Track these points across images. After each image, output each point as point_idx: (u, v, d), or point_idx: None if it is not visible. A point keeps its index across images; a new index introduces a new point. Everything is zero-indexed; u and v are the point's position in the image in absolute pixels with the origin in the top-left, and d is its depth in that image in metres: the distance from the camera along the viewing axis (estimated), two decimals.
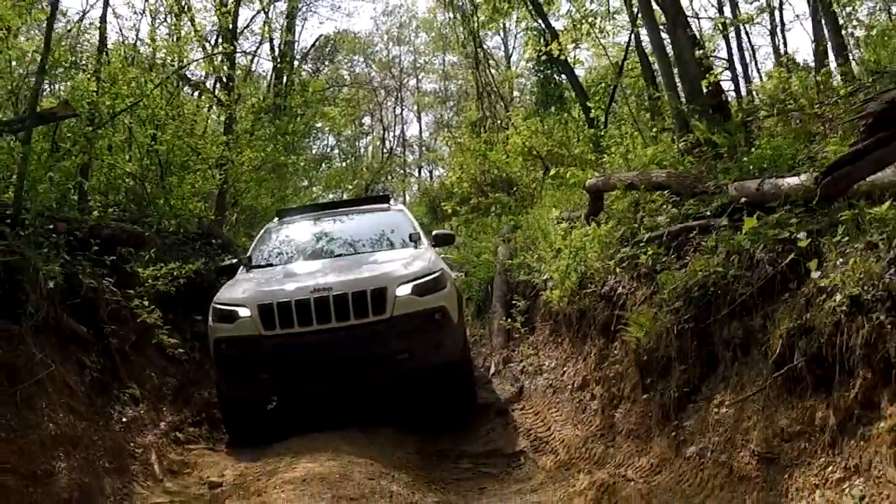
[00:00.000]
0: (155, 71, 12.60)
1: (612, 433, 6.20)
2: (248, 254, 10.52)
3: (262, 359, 8.33)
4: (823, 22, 13.18)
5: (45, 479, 5.72)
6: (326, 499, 5.51)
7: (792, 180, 5.44)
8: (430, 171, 42.28)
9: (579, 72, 22.50)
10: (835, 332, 3.76)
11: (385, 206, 11.81)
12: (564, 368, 8.26)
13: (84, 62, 11.40)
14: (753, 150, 7.84)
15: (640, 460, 5.43)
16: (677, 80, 10.44)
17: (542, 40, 18.90)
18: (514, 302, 10.72)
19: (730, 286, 4.97)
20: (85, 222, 9.08)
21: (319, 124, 29.28)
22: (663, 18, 11.05)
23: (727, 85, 15.68)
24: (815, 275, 4.01)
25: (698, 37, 12.99)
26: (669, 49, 10.93)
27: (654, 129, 12.14)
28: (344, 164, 38.51)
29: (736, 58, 20.66)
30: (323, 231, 11.03)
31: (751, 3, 22.20)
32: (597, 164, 12.96)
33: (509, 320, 10.54)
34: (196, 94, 17.94)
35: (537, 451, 7.11)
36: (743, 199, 6.08)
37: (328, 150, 39.61)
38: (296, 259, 10.38)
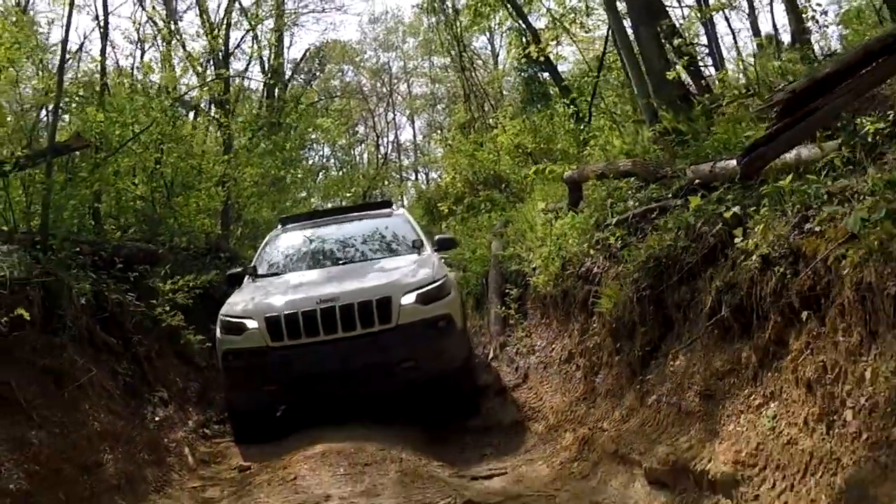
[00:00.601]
0: (155, 97, 13.35)
1: (593, 396, 7.00)
2: (254, 263, 10.78)
3: (270, 370, 8.56)
4: (784, 7, 13.81)
5: (95, 469, 6.52)
6: (344, 465, 6.34)
7: (735, 162, 6.23)
8: (426, 174, 42.88)
9: (565, 66, 23.25)
10: (751, 285, 4.57)
11: (387, 210, 12.04)
12: (553, 346, 8.99)
13: (90, 94, 12.11)
14: (711, 136, 8.58)
15: (614, 413, 6.23)
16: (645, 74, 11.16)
17: (523, 40, 19.53)
18: (507, 291, 11.39)
19: (679, 256, 5.77)
20: (107, 243, 9.87)
21: (314, 136, 29.94)
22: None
23: (710, 71, 16.15)
24: (738, 241, 4.81)
25: (678, 25, 13.47)
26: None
27: (630, 121, 12.85)
28: (340, 172, 39.15)
29: (725, 43, 21.18)
30: (326, 238, 11.22)
31: None
32: (579, 158, 13.60)
33: (504, 308, 11.11)
34: (192, 115, 18.66)
35: (531, 420, 7.94)
36: (697, 181, 6.83)
37: (324, 160, 40.30)
38: (300, 267, 10.58)
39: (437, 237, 11.10)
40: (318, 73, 36.86)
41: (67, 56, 12.09)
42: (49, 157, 9.03)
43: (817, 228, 4.17)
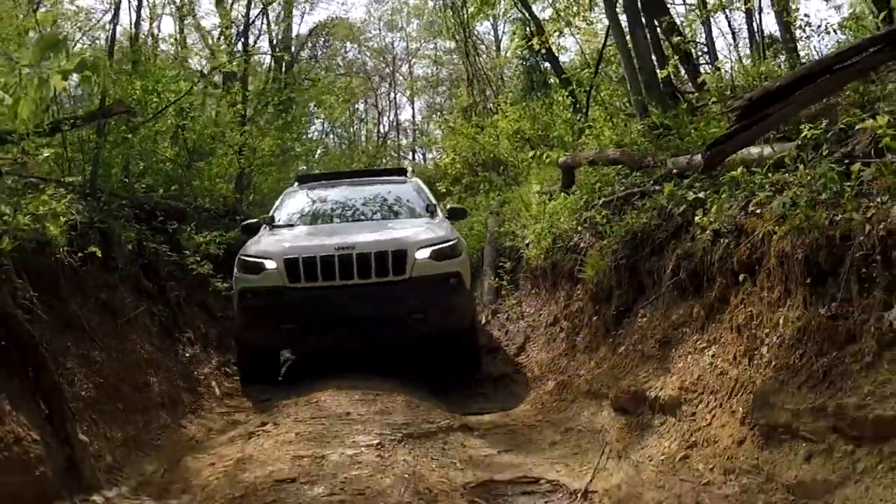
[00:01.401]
0: (184, 70, 14.43)
1: (574, 352, 8.14)
2: (271, 214, 11.04)
3: (286, 309, 8.82)
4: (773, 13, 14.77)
5: (144, 388, 7.65)
6: (358, 394, 7.45)
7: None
8: (424, 154, 43.52)
9: (568, 56, 24.06)
10: (704, 254, 5.71)
11: (402, 178, 12.28)
12: (541, 311, 10.09)
13: (126, 65, 13.13)
14: (691, 132, 9.66)
15: (589, 363, 7.39)
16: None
17: (527, 30, 20.36)
18: (501, 264, 12.43)
19: (652, 232, 6.91)
20: (147, 199, 10.93)
21: (317, 112, 30.72)
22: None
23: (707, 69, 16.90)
24: (697, 219, 5.94)
25: (677, 23, 14.18)
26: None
27: (622, 114, 13.90)
28: (339, 149, 39.82)
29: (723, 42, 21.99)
30: (343, 196, 11.47)
31: None
32: (574, 146, 14.57)
33: (497, 280, 12.14)
34: (203, 86, 19.64)
35: (518, 373, 9.08)
36: (675, 171, 7.95)
37: (323, 135, 40.94)
38: (317, 221, 10.80)
39: (448, 206, 11.58)
40: (323, 50, 37.56)
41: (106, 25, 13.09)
42: (100, 118, 10.08)
43: (757, 210, 5.30)
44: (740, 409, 4.52)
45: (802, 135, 5.70)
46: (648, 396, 5.57)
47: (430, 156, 41.02)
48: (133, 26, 14.05)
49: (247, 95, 16.69)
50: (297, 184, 12.36)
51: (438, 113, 40.76)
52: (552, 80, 21.90)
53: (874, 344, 3.73)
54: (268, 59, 25.78)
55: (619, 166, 9.64)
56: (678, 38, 12.23)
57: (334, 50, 39.77)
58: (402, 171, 13.32)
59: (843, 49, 5.51)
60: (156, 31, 20.81)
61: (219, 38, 20.99)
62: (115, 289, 8.28)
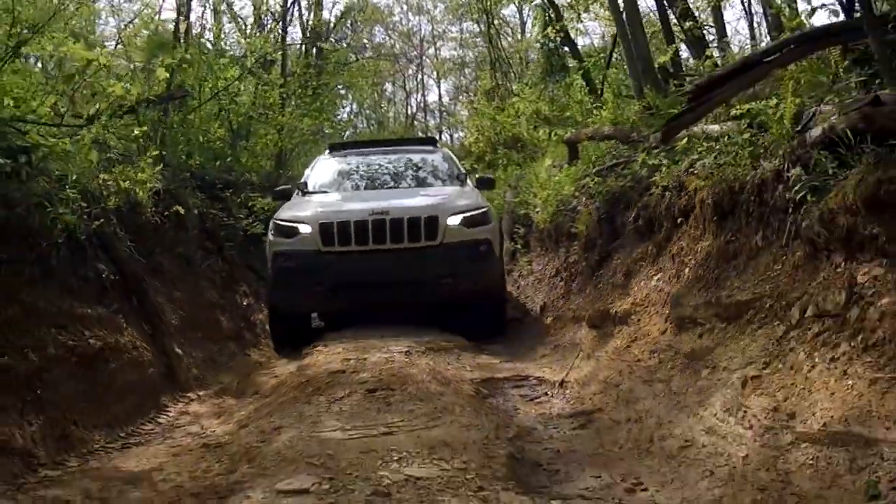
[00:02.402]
0: (230, 58, 16.32)
1: (569, 294, 9.94)
2: (304, 180, 11.37)
3: (320, 272, 9.10)
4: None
5: (215, 324, 9.60)
6: (390, 330, 9.13)
7: None
8: (451, 135, 44.87)
9: (587, 41, 25.57)
10: (655, 205, 7.52)
11: (432, 147, 12.72)
12: (546, 267, 11.88)
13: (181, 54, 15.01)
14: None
15: (578, 300, 9.22)
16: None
17: (547, 16, 21.90)
18: (516, 231, 14.15)
19: (626, 192, 8.72)
20: (206, 172, 12.80)
21: (346, 94, 32.46)
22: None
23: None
24: (653, 179, 7.73)
25: (690, 7, 15.41)
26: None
27: (626, 95, 15.52)
28: (369, 129, 41.44)
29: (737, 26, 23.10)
30: (374, 164, 11.79)
31: None
32: (586, 124, 16.18)
33: (513, 244, 13.86)
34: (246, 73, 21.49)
35: (526, 316, 10.89)
36: (654, 144, 9.70)
37: (352, 116, 42.54)
38: (349, 187, 11.16)
39: (477, 176, 12.15)
40: (351, 33, 39.10)
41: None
42: (166, 100, 11.97)
43: (693, 171, 7.09)
44: (665, 311, 6.35)
45: (736, 114, 7.43)
46: (611, 313, 7.41)
47: (456, 136, 42.43)
48: (185, 18, 15.81)
49: (287, 79, 18.57)
50: (328, 151, 12.62)
51: (464, 94, 42.31)
52: (571, 64, 23.44)
53: (745, 258, 5.54)
54: (299, 45, 27.50)
55: (613, 141, 11.36)
56: (690, 23, 13.69)
57: (362, 35, 41.23)
58: (432, 141, 13.88)
59: (767, 47, 7.26)
60: (197, 21, 22.67)
61: (256, 27, 22.81)
62: (188, 244, 10.17)
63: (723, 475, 3.92)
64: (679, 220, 7.01)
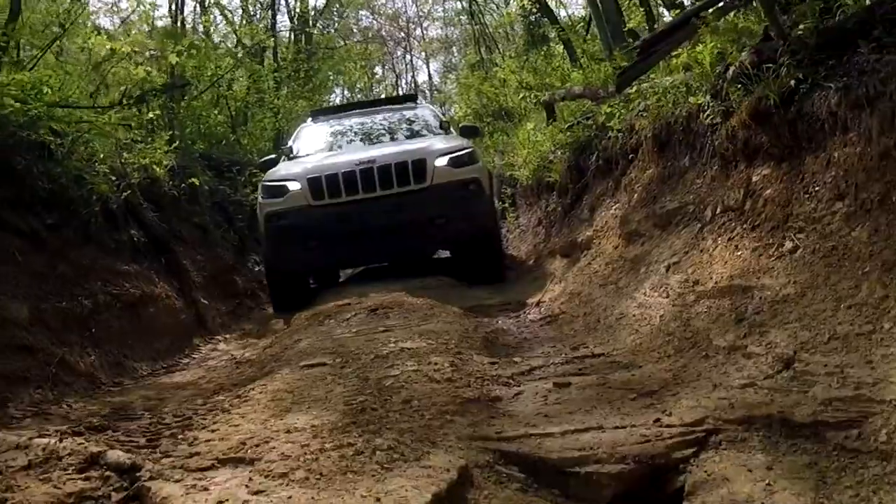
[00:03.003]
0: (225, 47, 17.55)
1: (549, 237, 11.14)
2: (289, 145, 11.64)
3: (312, 226, 9.17)
4: None
5: (233, 283, 10.80)
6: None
7: None
8: (443, 113, 45.50)
9: (570, 10, 26.56)
10: (612, 146, 8.70)
11: (413, 104, 12.90)
12: (530, 219, 13.11)
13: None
14: None
15: (555, 240, 10.41)
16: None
17: None
18: (503, 191, 15.31)
19: (591, 140, 9.88)
20: (213, 153, 13.98)
21: (334, 77, 33.51)
22: None
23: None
24: (610, 124, 8.90)
25: None
26: None
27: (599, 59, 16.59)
28: None
29: None
30: (357, 124, 11.97)
31: None
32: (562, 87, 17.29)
33: (501, 203, 14.95)
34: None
35: (513, 262, 12.03)
36: (619, 100, 10.88)
37: (344, 100, 43.37)
38: (335, 148, 11.28)
39: (461, 125, 12.29)
40: (337, 18, 39.98)
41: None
42: (171, 87, 13.12)
43: (641, 113, 8.26)
44: (618, 230, 7.54)
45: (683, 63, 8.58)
46: (578, 242, 8.63)
47: (448, 113, 43.35)
48: (179, 11, 17.02)
49: (279, 65, 19.77)
50: (310, 119, 12.85)
51: (453, 72, 43.33)
52: (552, 35, 24.48)
53: (677, 177, 6.73)
54: (287, 33, 28.60)
55: (584, 100, 12.49)
56: None
57: (348, 19, 42.06)
58: (412, 98, 14.04)
59: (698, 5, 8.38)
60: (189, 15, 23.86)
61: (245, 18, 23.95)
62: (202, 216, 11.36)
63: (644, 331, 5.16)
64: (630, 157, 8.17)
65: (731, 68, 6.41)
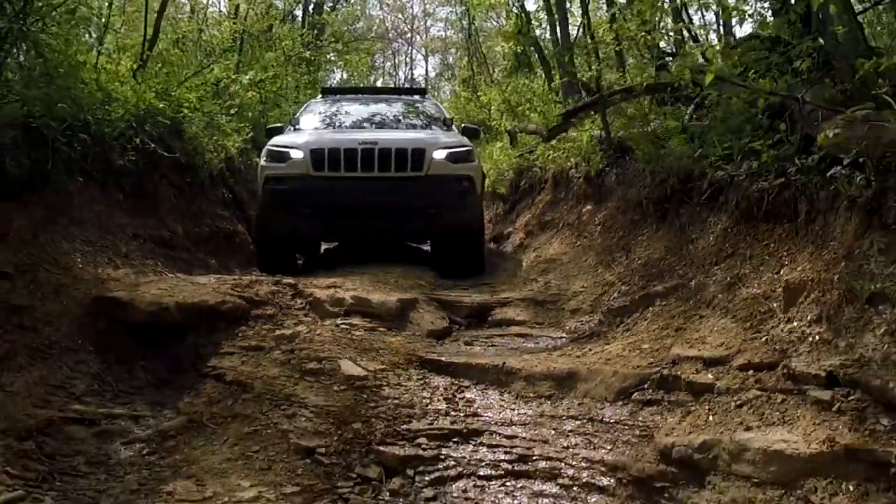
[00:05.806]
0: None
1: (503, 230, 16.81)
2: (297, 116, 12.45)
3: (309, 195, 9.70)
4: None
5: (234, 241, 16.58)
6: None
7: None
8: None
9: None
10: (535, 176, 14.70)
11: (421, 98, 13.81)
12: (490, 219, 18.84)
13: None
14: None
15: (503, 228, 16.23)
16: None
17: (519, 22, 27.52)
18: None
19: (526, 168, 15.74)
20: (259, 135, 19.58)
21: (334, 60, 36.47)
22: None
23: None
24: (536, 161, 14.76)
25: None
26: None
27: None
28: None
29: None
30: (366, 107, 12.73)
31: None
32: (544, 113, 22.01)
33: None
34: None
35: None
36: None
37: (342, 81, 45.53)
38: (340, 125, 11.91)
39: (463, 125, 12.89)
40: (343, 4, 42.19)
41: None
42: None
43: (550, 158, 14.11)
44: (523, 229, 13.50)
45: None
46: (503, 234, 14.70)
47: None
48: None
49: (289, 56, 24.33)
50: (320, 95, 13.80)
51: (449, 72, 47.06)
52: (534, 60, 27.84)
53: (556, 204, 12.72)
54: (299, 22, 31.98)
55: (535, 135, 18.10)
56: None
57: (356, 6, 45.20)
58: (421, 91, 15.14)
59: (586, 101, 14.05)
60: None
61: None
62: (252, 182, 16.99)
63: (511, 272, 11.07)
64: (542, 186, 14.02)
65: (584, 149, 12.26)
